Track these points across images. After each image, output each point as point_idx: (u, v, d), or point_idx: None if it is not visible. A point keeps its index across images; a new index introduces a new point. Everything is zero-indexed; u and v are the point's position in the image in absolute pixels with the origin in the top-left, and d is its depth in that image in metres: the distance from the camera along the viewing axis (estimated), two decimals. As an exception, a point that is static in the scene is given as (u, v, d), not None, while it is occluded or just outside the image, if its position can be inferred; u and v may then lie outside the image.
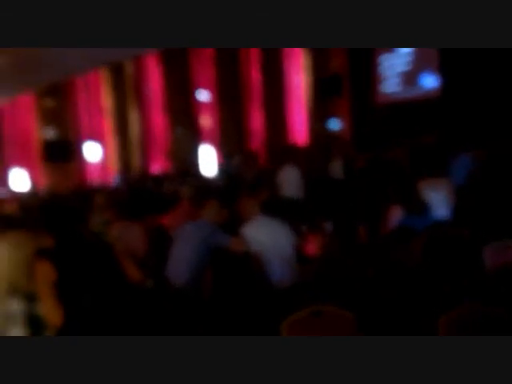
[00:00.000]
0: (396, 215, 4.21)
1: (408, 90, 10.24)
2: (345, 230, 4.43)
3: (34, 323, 2.59)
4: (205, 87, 11.81)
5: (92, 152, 12.61)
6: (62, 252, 2.66)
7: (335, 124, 10.63)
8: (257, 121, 11.53)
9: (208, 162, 11.50)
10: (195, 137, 11.83)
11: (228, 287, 3.99)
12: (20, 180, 12.71)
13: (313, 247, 4.49)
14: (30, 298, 2.61)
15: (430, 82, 10.02)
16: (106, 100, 13.10)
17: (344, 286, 3.29)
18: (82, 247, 2.74)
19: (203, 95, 11.81)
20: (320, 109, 10.97)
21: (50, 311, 2.54)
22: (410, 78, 10.24)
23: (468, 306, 2.10)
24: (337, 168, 7.56)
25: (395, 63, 10.36)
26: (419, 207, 4.16)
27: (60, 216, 2.71)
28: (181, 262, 4.09)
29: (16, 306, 2.58)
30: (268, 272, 4.15)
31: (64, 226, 2.69)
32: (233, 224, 4.51)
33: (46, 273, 2.56)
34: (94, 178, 12.45)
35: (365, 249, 3.99)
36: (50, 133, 13.21)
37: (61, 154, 12.40)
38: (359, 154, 7.68)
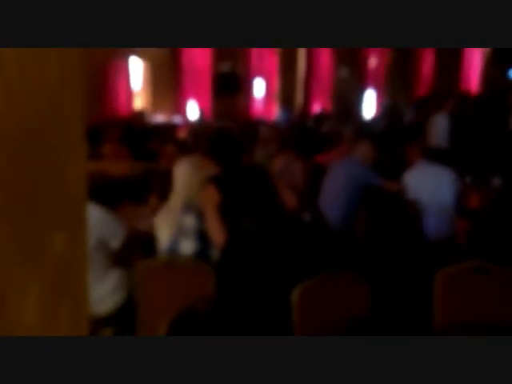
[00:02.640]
0: None
1: None
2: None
3: (203, 238, 2.78)
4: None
5: (259, 87, 12.91)
6: (225, 179, 2.83)
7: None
8: (427, 65, 10.78)
9: (371, 104, 11.15)
10: (360, 78, 11.48)
11: (381, 232, 3.92)
12: (193, 109, 13.54)
13: (476, 201, 4.18)
14: (202, 216, 2.76)
15: None
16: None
17: (507, 245, 3.04)
18: (244, 175, 2.88)
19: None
20: (499, 55, 9.88)
21: (214, 231, 2.73)
22: None
23: None
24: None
25: None
26: None
27: (225, 146, 2.85)
28: (333, 198, 4.11)
29: (189, 221, 2.77)
30: (423, 221, 3.99)
31: (228, 156, 2.84)
32: (396, 168, 4.38)
33: (211, 196, 2.74)
34: (259, 113, 12.82)
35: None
36: (225, 67, 13.75)
37: (230, 87, 12.91)
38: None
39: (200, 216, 2.76)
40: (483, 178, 4.54)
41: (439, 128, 6.78)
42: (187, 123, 11.03)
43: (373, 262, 3.34)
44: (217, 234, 2.73)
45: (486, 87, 9.80)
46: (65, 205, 0.85)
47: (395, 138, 6.42)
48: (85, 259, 0.93)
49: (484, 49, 10.22)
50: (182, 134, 9.07)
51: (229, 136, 3.18)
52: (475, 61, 10.30)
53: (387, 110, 9.50)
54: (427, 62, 10.82)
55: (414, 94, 10.72)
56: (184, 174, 2.85)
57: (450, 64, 10.35)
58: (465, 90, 9.62)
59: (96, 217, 2.81)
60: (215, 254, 2.79)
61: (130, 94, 11.81)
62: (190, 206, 2.80)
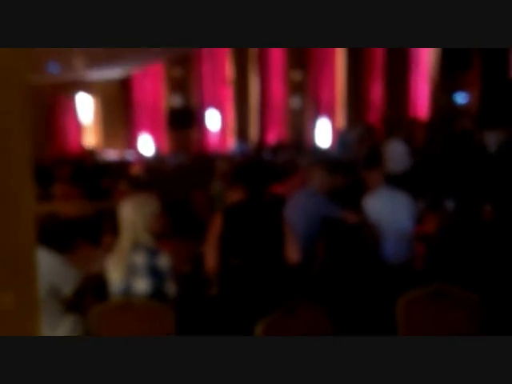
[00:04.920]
0: None
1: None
2: (468, 208, 4.20)
3: (157, 275, 2.76)
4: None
5: (212, 120, 13.01)
6: (236, 211, 3.08)
7: (461, 98, 9.99)
8: (376, 92, 11.16)
9: (325, 133, 11.40)
10: (313, 107, 11.76)
11: (340, 261, 3.99)
12: (146, 144, 13.48)
13: (431, 225, 4.30)
14: (153, 252, 2.77)
15: None
16: (229, 70, 13.39)
17: (469, 266, 3.13)
18: (255, 210, 3.07)
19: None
20: (446, 81, 10.35)
21: (205, 258, 3.00)
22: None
23: None
24: (465, 143, 7.12)
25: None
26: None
27: (253, 175, 3.12)
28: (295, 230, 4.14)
29: (140, 259, 2.76)
30: (382, 246, 4.07)
31: (253, 186, 3.08)
32: (356, 194, 4.46)
33: (215, 225, 3.03)
34: (215, 145, 12.87)
35: (489, 227, 3.75)
36: (176, 101, 13.80)
37: (184, 121, 12.95)
38: (487, 130, 7.16)
39: (151, 252, 2.77)
40: (437, 202, 4.68)
41: (395, 153, 6.95)
42: (140, 159, 10.96)
43: (333, 293, 3.38)
44: (206, 261, 3.00)
45: (434, 112, 10.21)
46: (13, 262, 0.83)
47: (353, 165, 6.57)
48: (36, 314, 0.91)
49: (431, 75, 10.69)
50: (136, 170, 9.00)
51: (258, 166, 3.40)
52: (422, 87, 10.75)
53: (341, 138, 9.73)
54: (376, 89, 11.21)
55: (366, 121, 11.05)
56: (128, 213, 2.84)
57: (399, 90, 10.77)
58: (414, 116, 9.99)
59: (47, 263, 2.74)
60: (171, 289, 2.78)
61: (79, 130, 11.65)
62: (139, 245, 2.79)
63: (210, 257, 2.99)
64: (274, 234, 3.02)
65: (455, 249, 3.63)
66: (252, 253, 2.97)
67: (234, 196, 3.81)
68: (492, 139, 6.82)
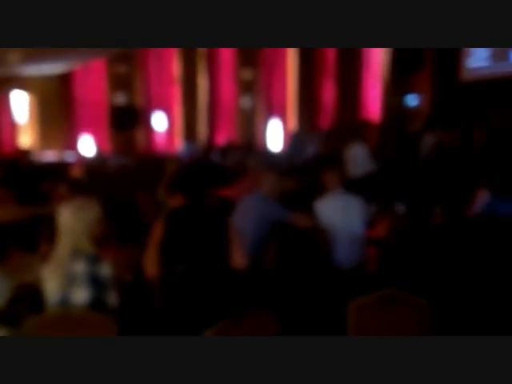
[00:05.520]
0: (483, 199, 4.05)
1: (498, 65, 9.70)
2: (419, 211, 4.34)
3: (98, 284, 2.70)
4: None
5: (159, 120, 12.87)
6: (178, 215, 3.06)
7: (413, 100, 10.31)
8: (328, 94, 11.36)
9: (276, 134, 11.49)
10: (264, 107, 11.84)
11: (291, 266, 4.04)
12: (87, 145, 13.18)
13: (383, 229, 4.41)
14: (94, 260, 2.71)
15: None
16: (177, 67, 13.29)
17: (418, 270, 3.22)
18: (198, 215, 3.07)
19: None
20: (398, 84, 10.64)
21: (145, 266, 2.98)
22: (501, 51, 9.68)
23: None
24: (417, 145, 7.32)
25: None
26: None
27: (189, 180, 3.16)
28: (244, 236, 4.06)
29: (79, 268, 2.69)
30: (334, 250, 4.15)
31: (191, 191, 3.09)
32: (309, 198, 4.49)
33: (156, 231, 3.02)
34: (160, 147, 12.73)
35: (440, 231, 3.88)
36: (120, 99, 13.56)
37: (128, 121, 12.74)
38: (444, 133, 7.41)
39: (91, 260, 2.70)
40: (388, 205, 4.80)
41: (357, 157, 7.04)
42: (81, 160, 10.69)
43: (284, 298, 3.41)
44: (147, 268, 2.97)
45: (386, 115, 10.48)
46: None
47: (306, 168, 6.65)
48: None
49: (383, 77, 10.97)
50: (76, 173, 8.78)
51: (194, 170, 3.40)
52: (374, 89, 11.02)
53: (292, 140, 9.83)
54: (328, 91, 11.40)
55: (318, 123, 11.22)
56: (66, 219, 2.76)
57: (350, 92, 10.99)
58: (366, 118, 10.22)
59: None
60: (113, 299, 2.72)
61: (14, 129, 11.28)
62: (79, 252, 2.72)
63: (151, 265, 2.96)
64: (218, 239, 3.02)
65: (406, 253, 3.73)
66: (195, 259, 2.96)
67: (174, 202, 3.81)
68: (428, 141, 7.09)
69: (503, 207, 3.76)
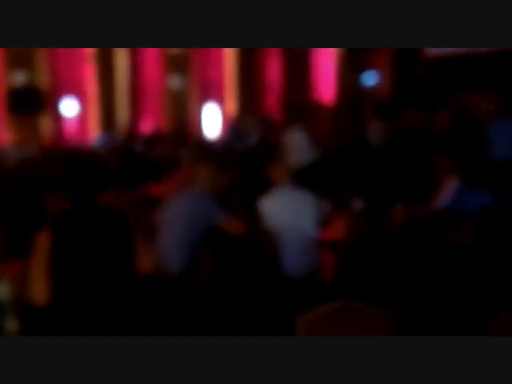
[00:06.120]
0: (451, 188, 4.16)
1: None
2: (379, 207, 4.40)
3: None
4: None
5: (68, 104, 12.56)
6: (67, 221, 2.90)
7: (371, 78, 10.52)
8: (274, 73, 11.42)
9: (213, 121, 11.46)
10: (197, 89, 11.77)
11: (230, 274, 4.02)
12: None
13: (338, 229, 4.47)
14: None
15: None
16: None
17: (377, 278, 3.28)
18: (92, 218, 2.93)
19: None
20: (354, 60, 10.84)
21: (35, 288, 2.75)
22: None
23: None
24: (372, 132, 7.48)
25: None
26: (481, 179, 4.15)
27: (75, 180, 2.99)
28: (173, 240, 4.08)
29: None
30: (281, 257, 4.16)
31: (77, 192, 2.95)
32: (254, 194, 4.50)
33: (41, 243, 2.82)
34: (71, 136, 12.44)
35: (402, 231, 3.97)
36: (19, 79, 13.13)
37: (30, 104, 12.37)
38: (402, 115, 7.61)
39: None
40: (344, 201, 4.85)
41: (295, 144, 7.12)
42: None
43: (222, 309, 3.40)
44: (37, 291, 2.75)
45: (340, 95, 10.66)
46: None
47: (253, 158, 6.65)
48: None
49: (336, 52, 11.12)
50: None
51: (79, 167, 3.27)
52: (327, 66, 11.17)
53: (232, 127, 9.83)
54: (273, 69, 11.47)
55: (262, 105, 11.28)
56: None
57: (299, 70, 11.09)
58: (317, 100, 10.36)
59: None
60: (12, 324, 2.64)
61: None
62: None
63: (39, 287, 2.77)
64: (116, 244, 2.93)
65: (367, 257, 3.78)
66: (92, 269, 2.86)
67: (56, 205, 3.73)
68: (377, 130, 7.29)
69: (472, 199, 3.87)
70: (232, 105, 11.74)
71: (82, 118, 12.86)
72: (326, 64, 11.23)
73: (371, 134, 7.32)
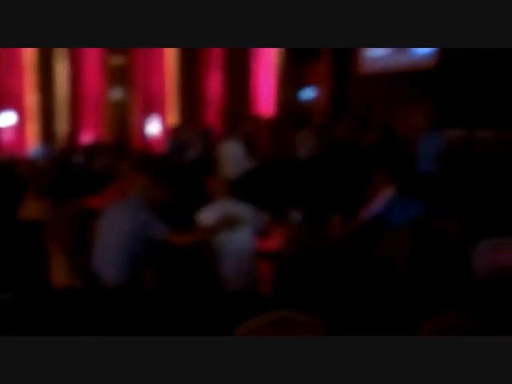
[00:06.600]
0: (385, 197, 4.24)
1: (398, 56, 10.32)
2: (316, 219, 4.44)
3: None
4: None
5: (6, 115, 12.25)
6: None
7: (309, 93, 10.68)
8: (215, 86, 11.45)
9: (153, 133, 11.39)
10: (139, 101, 11.68)
11: (172, 286, 4.01)
12: None
13: (277, 241, 4.49)
14: None
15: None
16: (29, 51, 12.77)
17: (314, 289, 3.31)
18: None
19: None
20: (294, 75, 10.97)
21: None
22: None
23: (451, 316, 2.11)
24: (303, 143, 7.59)
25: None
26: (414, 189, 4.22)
27: None
28: (110, 254, 3.99)
29: None
30: (221, 269, 4.17)
31: None
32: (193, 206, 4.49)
33: None
34: (7, 147, 12.13)
35: (339, 242, 4.02)
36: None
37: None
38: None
39: None
40: (283, 212, 4.88)
41: (231, 156, 7.16)
42: None
43: (164, 324, 3.36)
44: None
45: (280, 110, 10.77)
46: None
47: (194, 170, 6.61)
48: None
49: (278, 67, 11.25)
50: None
51: None
52: (267, 80, 11.28)
53: (172, 139, 9.79)
54: (214, 82, 11.49)
55: (204, 118, 11.28)
56: None
57: (240, 83, 11.16)
58: (257, 114, 10.43)
59: None
60: None
61: None
62: None
63: None
64: (27, 256, 2.85)
65: (305, 268, 3.81)
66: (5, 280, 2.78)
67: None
68: (304, 140, 7.43)
69: (403, 210, 3.96)
70: (173, 117, 11.69)
71: (20, 129, 12.57)
72: (266, 78, 11.33)
73: (303, 145, 7.44)
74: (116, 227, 4.02)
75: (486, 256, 2.73)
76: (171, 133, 10.24)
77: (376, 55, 10.51)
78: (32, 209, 3.88)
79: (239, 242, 4.22)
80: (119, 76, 11.99)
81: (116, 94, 12.07)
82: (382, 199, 4.23)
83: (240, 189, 4.98)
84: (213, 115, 11.28)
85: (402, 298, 3.00)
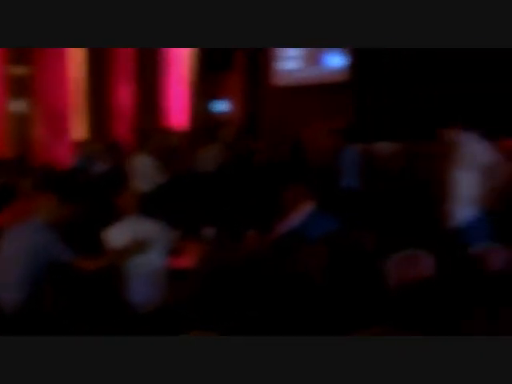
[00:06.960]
0: (302, 212, 4.19)
1: (311, 68, 10.42)
2: (231, 235, 4.38)
3: None
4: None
5: None
6: None
7: (223, 105, 10.61)
8: (125, 98, 11.21)
9: (58, 147, 10.98)
10: (42, 113, 11.24)
11: (74, 309, 3.91)
12: None
13: (188, 259, 4.37)
14: None
15: (335, 60, 10.27)
16: None
17: (228, 309, 3.21)
18: None
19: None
20: (206, 87, 10.89)
21: None
22: (313, 55, 10.42)
23: (376, 330, 2.03)
24: (216, 158, 7.56)
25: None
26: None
27: None
28: (9, 276, 3.95)
29: None
30: (129, 290, 4.08)
31: None
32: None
33: None
34: None
35: (254, 259, 3.94)
36: None
37: None
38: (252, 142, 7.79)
39: None
40: (195, 229, 4.78)
41: (142, 170, 7.03)
42: None
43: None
44: None
45: (192, 122, 10.64)
46: None
47: (102, 186, 6.38)
48: None
49: (190, 78, 11.13)
50: None
51: None
52: (179, 92, 11.13)
53: (77, 154, 9.50)
54: (124, 94, 11.25)
55: (113, 132, 11.01)
56: None
57: (151, 96, 10.98)
58: (169, 127, 10.25)
59: None
60: None
61: None
62: None
63: None
64: None
65: (219, 285, 3.71)
66: None
67: None
68: (211, 153, 7.45)
69: (321, 224, 3.91)
70: (80, 130, 11.32)
71: None
72: (178, 90, 11.21)
73: (209, 159, 7.45)
74: (18, 250, 3.96)
75: (396, 269, 2.77)
76: (78, 147, 9.89)
77: (289, 67, 10.57)
78: None
79: (149, 262, 4.14)
80: (21, 87, 11.49)
81: (17, 106, 11.56)
82: (300, 214, 4.20)
83: (151, 204, 4.89)
84: (123, 128, 11.01)
85: (320, 311, 2.96)
